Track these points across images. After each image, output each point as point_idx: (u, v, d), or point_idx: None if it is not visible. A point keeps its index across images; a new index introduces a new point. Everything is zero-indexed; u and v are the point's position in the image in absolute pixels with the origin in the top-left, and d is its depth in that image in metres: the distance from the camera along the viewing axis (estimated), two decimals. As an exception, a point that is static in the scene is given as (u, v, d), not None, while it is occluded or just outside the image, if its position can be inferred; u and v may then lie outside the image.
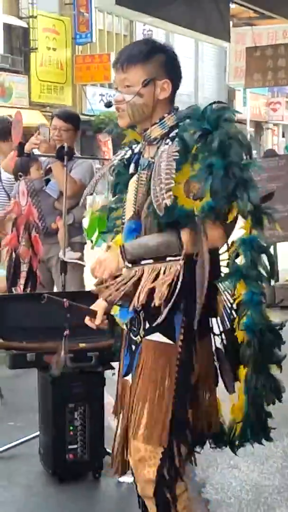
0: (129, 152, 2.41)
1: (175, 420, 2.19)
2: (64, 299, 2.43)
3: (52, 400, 3.19)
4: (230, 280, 2.18)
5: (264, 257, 2.17)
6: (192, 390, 2.25)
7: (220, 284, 2.25)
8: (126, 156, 2.40)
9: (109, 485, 3.21)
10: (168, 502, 2.21)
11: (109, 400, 3.45)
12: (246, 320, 2.15)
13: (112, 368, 3.20)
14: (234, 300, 2.21)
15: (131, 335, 2.32)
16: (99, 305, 2.43)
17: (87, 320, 2.44)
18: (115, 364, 3.13)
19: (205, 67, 30.31)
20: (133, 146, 2.43)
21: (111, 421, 3.53)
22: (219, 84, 29.92)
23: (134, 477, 2.42)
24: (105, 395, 3.30)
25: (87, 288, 4.51)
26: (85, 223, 4.41)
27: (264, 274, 2.16)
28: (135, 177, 2.31)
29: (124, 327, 2.36)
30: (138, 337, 2.28)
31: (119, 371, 2.46)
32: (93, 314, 2.42)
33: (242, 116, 2.57)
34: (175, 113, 2.27)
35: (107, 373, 3.23)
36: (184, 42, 22.52)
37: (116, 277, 2.19)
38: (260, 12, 8.17)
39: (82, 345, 3.11)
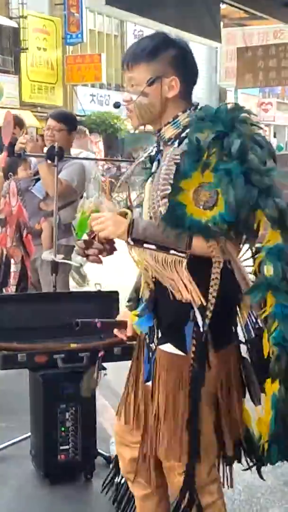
0: (155, 149, 2.26)
1: (191, 435, 2.11)
2: (96, 320, 2.38)
3: (44, 401, 3.17)
4: (257, 292, 2.03)
5: None
6: (216, 401, 2.17)
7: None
8: (152, 154, 2.26)
9: (101, 486, 3.20)
10: (200, 509, 2.19)
11: (101, 401, 3.44)
12: (275, 334, 2.02)
13: (104, 368, 3.19)
14: (263, 312, 2.07)
15: (147, 341, 2.24)
16: (126, 315, 2.37)
17: (116, 331, 2.37)
18: (107, 365, 3.13)
19: (196, 67, 30.32)
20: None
21: (103, 422, 3.53)
22: (210, 84, 29.86)
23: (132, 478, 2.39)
24: (97, 396, 3.28)
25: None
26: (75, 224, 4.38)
27: None
28: (150, 179, 2.19)
29: (139, 333, 2.29)
30: (153, 344, 2.21)
31: (129, 376, 2.36)
32: (122, 325, 2.38)
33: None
34: (191, 111, 2.12)
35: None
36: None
37: (110, 241, 2.14)
38: (250, 12, 8.18)
39: (73, 345, 3.09)
